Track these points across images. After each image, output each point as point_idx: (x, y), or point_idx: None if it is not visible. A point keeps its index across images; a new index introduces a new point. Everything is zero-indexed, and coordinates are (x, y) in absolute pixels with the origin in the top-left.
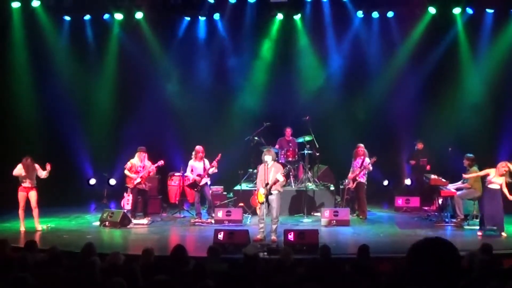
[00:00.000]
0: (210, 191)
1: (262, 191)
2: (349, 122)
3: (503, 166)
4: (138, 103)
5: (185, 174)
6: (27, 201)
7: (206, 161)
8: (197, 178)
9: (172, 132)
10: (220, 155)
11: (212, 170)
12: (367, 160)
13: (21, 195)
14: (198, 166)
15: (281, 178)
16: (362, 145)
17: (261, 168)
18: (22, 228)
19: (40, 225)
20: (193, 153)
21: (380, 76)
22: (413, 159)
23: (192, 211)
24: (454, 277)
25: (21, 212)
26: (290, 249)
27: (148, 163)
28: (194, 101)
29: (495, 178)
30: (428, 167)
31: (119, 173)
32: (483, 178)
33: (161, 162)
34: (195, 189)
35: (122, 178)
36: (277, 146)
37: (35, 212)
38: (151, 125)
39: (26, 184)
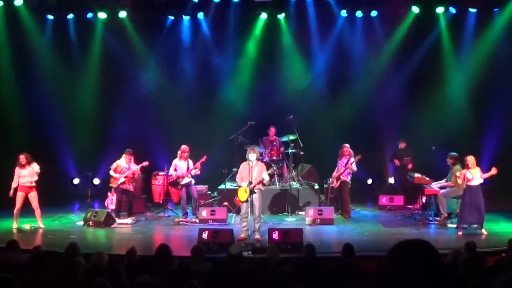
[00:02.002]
0: (196, 190)
1: (244, 185)
2: (333, 121)
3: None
4: (122, 102)
5: (169, 173)
6: (27, 202)
7: (190, 162)
8: (179, 174)
9: (156, 131)
10: (205, 157)
11: (195, 171)
12: (352, 159)
13: (18, 195)
14: (181, 166)
15: (267, 178)
16: (347, 145)
17: (243, 166)
18: (15, 226)
19: (24, 224)
20: (179, 152)
21: (364, 75)
22: (396, 159)
23: (177, 210)
24: (437, 277)
25: (16, 212)
26: (277, 248)
27: (133, 166)
28: (178, 100)
29: (469, 174)
30: (410, 166)
31: (103, 172)
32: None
33: (145, 163)
34: (177, 187)
35: (106, 177)
36: (261, 146)
37: (37, 212)
38: (135, 124)
39: (25, 183)
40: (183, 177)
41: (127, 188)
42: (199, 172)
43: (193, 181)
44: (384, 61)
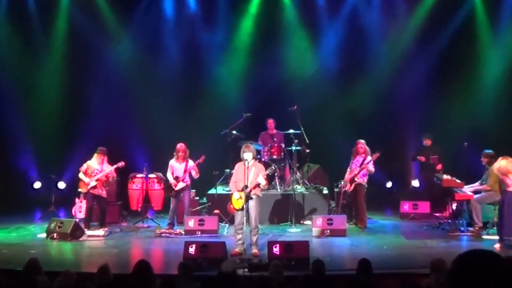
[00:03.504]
0: (189, 198)
1: (236, 196)
2: (346, 113)
3: None
4: (92, 90)
5: (153, 175)
6: None
7: (191, 163)
8: (173, 182)
9: (133, 126)
10: (203, 157)
11: (194, 174)
12: (369, 158)
13: None
14: (178, 168)
15: (263, 182)
16: (362, 141)
17: (238, 167)
18: None
19: None
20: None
21: (383, 58)
22: (421, 157)
23: (159, 219)
24: None
25: None
26: (281, 265)
27: (107, 167)
28: (159, 88)
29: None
30: (439, 166)
31: (69, 174)
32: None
33: (121, 163)
34: (170, 194)
35: (74, 180)
36: (259, 142)
37: None
38: (108, 117)
39: None
40: (177, 182)
41: (99, 194)
42: (197, 176)
43: (190, 187)
44: (407, 40)
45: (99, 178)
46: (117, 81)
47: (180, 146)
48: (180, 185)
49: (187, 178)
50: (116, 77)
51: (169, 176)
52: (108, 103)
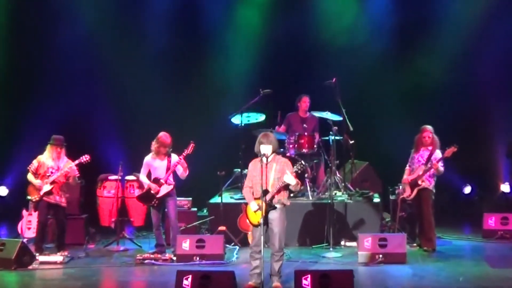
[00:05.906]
0: (176, 207)
1: (254, 207)
2: (405, 90)
3: None
4: (48, 64)
5: (132, 177)
6: None
7: (175, 157)
8: (152, 186)
9: (104, 110)
10: (192, 145)
11: (181, 172)
12: (438, 153)
13: None
14: (158, 166)
15: (293, 181)
16: (430, 127)
17: (253, 166)
18: None
19: None
20: (153, 143)
21: (457, 13)
22: None
23: (140, 239)
24: None
25: None
26: None
27: (66, 163)
28: (140, 57)
29: None
30: None
31: (14, 176)
32: None
33: (85, 158)
34: (150, 204)
35: (20, 185)
36: (282, 128)
37: None
38: (70, 99)
39: None
40: (160, 185)
41: (56, 202)
42: (186, 173)
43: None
44: None
45: (56, 180)
46: (82, 48)
47: (166, 137)
48: (164, 189)
49: (171, 180)
50: (81, 43)
51: (144, 178)
52: (69, 80)
